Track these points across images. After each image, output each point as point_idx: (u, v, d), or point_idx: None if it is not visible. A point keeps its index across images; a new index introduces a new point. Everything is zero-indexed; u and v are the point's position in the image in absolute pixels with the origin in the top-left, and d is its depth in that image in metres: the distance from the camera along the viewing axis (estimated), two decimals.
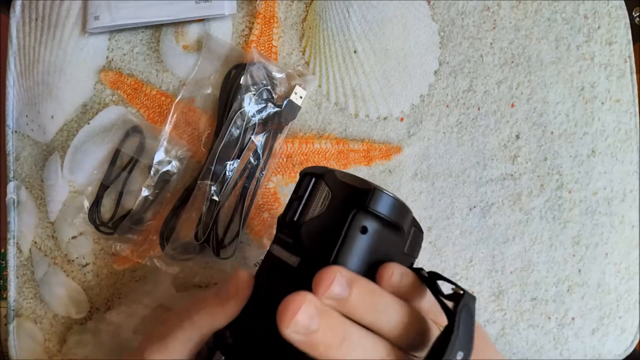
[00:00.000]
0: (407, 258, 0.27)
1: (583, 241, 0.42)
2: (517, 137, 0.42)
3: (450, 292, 0.24)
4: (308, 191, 0.27)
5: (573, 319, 0.42)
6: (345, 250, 0.24)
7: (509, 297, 0.42)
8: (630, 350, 0.42)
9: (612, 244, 0.42)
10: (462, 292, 0.24)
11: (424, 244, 0.41)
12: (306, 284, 0.23)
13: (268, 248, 0.27)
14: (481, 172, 0.42)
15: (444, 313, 0.24)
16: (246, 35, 0.42)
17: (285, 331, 0.20)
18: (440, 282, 0.25)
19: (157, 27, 0.43)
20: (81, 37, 0.43)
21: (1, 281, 1.04)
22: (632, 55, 0.43)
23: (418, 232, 0.28)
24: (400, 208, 0.26)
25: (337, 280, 0.22)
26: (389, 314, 0.23)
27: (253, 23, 0.42)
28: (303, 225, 0.25)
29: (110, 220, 0.41)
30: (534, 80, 0.42)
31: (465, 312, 0.24)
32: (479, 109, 0.42)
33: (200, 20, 0.42)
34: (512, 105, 0.42)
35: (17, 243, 0.43)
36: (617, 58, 0.42)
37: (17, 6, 0.44)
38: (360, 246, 0.24)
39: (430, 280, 0.26)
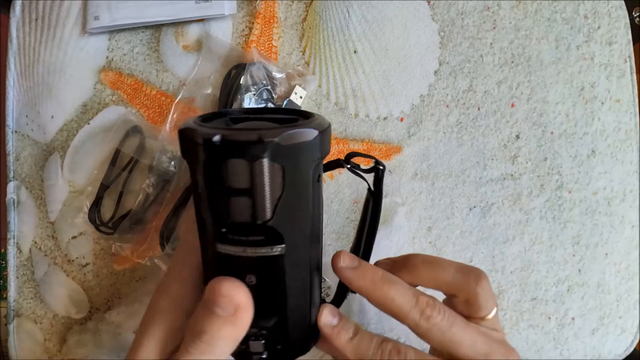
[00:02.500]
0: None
1: (583, 241, 0.42)
2: (517, 137, 0.42)
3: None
4: (256, 183, 0.20)
5: (573, 319, 0.42)
6: (316, 211, 0.24)
7: (509, 297, 0.42)
8: (630, 350, 0.42)
9: (612, 244, 0.42)
10: (381, 166, 0.28)
11: (424, 244, 0.42)
12: (298, 260, 0.23)
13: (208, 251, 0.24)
14: (481, 172, 0.42)
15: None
16: (246, 35, 0.42)
17: None
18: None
19: (157, 27, 0.43)
20: (81, 37, 0.43)
21: (1, 281, 1.04)
22: (632, 55, 0.43)
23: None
24: (325, 126, 0.23)
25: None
26: None
27: (253, 23, 0.42)
28: (274, 220, 0.22)
29: (110, 220, 0.41)
30: (534, 80, 0.42)
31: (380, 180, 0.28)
32: (479, 109, 0.42)
33: (200, 20, 0.42)
34: (512, 105, 0.42)
35: (17, 243, 0.43)
36: (617, 58, 0.42)
37: (17, 6, 0.44)
38: (320, 193, 0.24)
39: (347, 162, 0.28)
